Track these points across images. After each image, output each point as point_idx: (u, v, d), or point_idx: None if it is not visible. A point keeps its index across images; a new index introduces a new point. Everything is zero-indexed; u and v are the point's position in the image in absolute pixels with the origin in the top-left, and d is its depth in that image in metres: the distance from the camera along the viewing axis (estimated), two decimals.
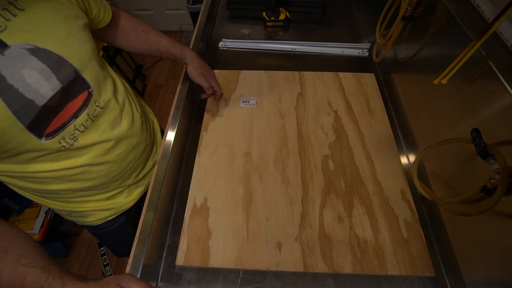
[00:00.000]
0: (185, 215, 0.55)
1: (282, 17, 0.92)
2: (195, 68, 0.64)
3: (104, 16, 0.55)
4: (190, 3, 1.90)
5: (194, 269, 0.50)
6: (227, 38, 0.90)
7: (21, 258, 0.37)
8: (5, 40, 0.37)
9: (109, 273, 1.29)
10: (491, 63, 0.42)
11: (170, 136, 0.61)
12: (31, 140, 0.41)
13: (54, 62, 0.42)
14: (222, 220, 0.55)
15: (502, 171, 0.36)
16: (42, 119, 0.42)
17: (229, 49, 0.89)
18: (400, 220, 0.54)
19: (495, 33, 0.43)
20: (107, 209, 0.61)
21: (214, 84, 0.68)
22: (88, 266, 1.32)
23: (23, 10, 0.39)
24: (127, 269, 0.45)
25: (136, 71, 1.85)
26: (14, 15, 0.38)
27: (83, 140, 0.48)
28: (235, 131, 0.67)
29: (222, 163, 0.62)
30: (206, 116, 0.70)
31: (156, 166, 0.57)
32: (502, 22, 0.38)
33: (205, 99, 0.74)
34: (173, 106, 0.66)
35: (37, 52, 0.40)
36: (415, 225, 0.54)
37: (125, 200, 0.62)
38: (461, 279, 0.47)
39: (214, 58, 0.87)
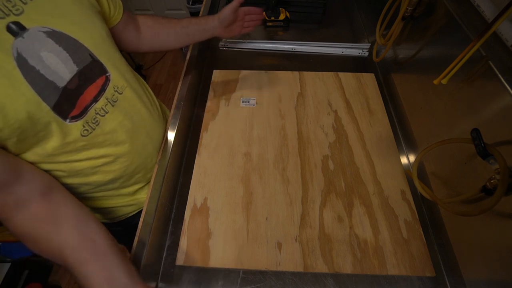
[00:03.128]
0: (185, 215, 0.55)
1: (282, 17, 0.92)
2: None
3: (114, 12, 0.55)
4: (190, 3, 1.90)
5: (194, 269, 0.50)
6: (227, 38, 0.90)
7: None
8: (23, 23, 0.38)
9: None
10: (491, 63, 0.42)
11: (170, 136, 0.61)
12: (57, 121, 0.42)
13: (70, 45, 0.42)
14: (222, 220, 0.55)
15: (502, 171, 0.36)
16: (66, 102, 0.42)
17: (229, 49, 0.89)
18: (400, 220, 0.54)
19: (495, 33, 0.43)
20: (130, 205, 0.61)
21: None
22: None
23: None
24: None
25: (136, 71, 1.86)
26: None
27: (105, 125, 0.48)
28: (235, 131, 0.67)
29: (222, 163, 0.62)
30: (206, 116, 0.70)
31: (156, 166, 0.57)
32: (502, 22, 0.38)
33: (205, 99, 0.74)
34: (173, 106, 0.66)
35: (54, 35, 0.40)
36: (415, 225, 0.54)
37: (146, 195, 0.62)
38: (461, 279, 0.47)
39: (214, 58, 0.87)
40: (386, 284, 0.49)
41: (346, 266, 0.50)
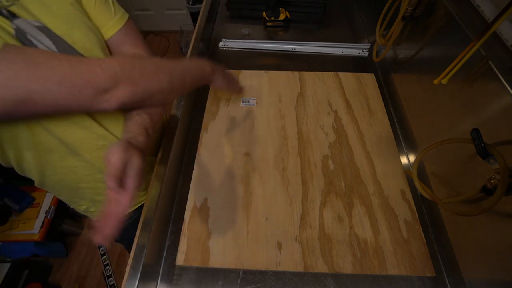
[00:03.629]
0: (185, 215, 0.55)
1: (282, 17, 0.92)
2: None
3: (109, 22, 0.52)
4: (190, 3, 1.90)
5: (194, 269, 0.50)
6: (227, 38, 0.90)
7: None
8: (14, 11, 0.38)
9: (109, 273, 1.29)
10: (491, 63, 0.42)
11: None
12: None
13: (60, 43, 0.42)
14: (222, 220, 0.55)
15: (502, 171, 0.36)
16: None
17: (229, 49, 0.89)
18: (400, 220, 0.54)
19: (495, 33, 0.43)
20: None
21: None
22: (88, 266, 1.32)
23: None
24: (127, 269, 0.45)
25: None
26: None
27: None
28: (235, 131, 0.67)
29: (222, 163, 0.62)
30: (206, 116, 0.70)
31: (156, 166, 0.57)
32: (502, 22, 0.38)
33: (205, 99, 0.74)
34: (173, 106, 0.65)
35: (44, 30, 0.41)
36: (415, 225, 0.54)
37: (142, 192, 0.63)
38: (461, 279, 0.47)
39: (214, 58, 0.87)
40: (386, 284, 0.49)
41: (346, 266, 0.50)
